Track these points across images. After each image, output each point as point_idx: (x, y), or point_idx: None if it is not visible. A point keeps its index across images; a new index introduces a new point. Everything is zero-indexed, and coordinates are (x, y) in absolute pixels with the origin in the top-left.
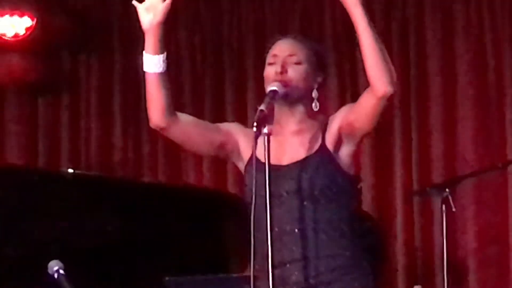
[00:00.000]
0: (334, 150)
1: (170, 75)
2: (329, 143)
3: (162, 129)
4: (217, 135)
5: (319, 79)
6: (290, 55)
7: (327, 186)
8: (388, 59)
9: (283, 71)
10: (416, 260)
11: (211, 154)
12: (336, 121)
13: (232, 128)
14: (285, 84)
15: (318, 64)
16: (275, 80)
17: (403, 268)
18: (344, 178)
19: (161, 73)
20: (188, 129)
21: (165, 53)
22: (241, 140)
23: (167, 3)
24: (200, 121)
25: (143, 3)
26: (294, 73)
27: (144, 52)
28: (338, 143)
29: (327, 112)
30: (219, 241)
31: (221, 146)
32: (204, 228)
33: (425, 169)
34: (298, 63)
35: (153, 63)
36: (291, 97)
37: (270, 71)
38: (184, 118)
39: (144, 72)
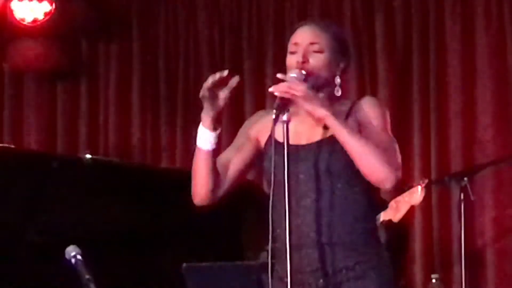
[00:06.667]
0: None
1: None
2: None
3: (206, 205)
4: (248, 150)
5: (342, 65)
6: (312, 43)
7: (343, 169)
8: (379, 154)
9: (305, 60)
10: (434, 249)
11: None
12: (360, 114)
13: (249, 130)
14: (307, 73)
15: (340, 50)
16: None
17: (421, 257)
18: None
19: (212, 150)
20: (233, 178)
21: (220, 130)
22: (260, 132)
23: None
24: (232, 156)
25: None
26: (316, 62)
27: (201, 125)
28: (359, 131)
29: (348, 95)
30: (236, 228)
31: (257, 154)
32: (222, 215)
33: (444, 158)
34: (319, 51)
35: (207, 139)
36: (314, 86)
37: (291, 60)
38: (226, 175)
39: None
